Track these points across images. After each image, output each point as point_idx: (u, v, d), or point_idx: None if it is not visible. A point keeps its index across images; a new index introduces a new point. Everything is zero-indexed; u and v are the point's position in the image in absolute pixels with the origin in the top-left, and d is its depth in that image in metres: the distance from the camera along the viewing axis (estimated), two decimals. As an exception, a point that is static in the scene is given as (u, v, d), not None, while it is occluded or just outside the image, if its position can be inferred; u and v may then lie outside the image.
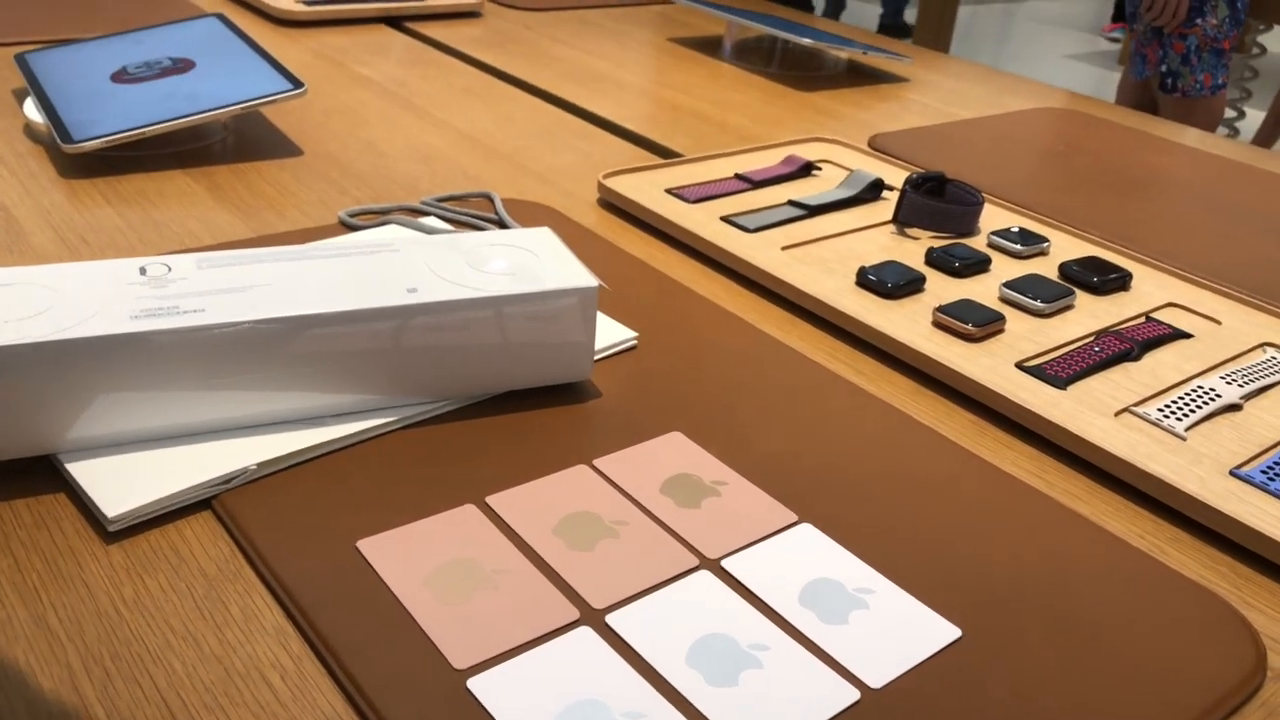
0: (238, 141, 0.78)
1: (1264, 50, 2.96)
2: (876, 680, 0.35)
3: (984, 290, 0.62)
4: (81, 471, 0.41)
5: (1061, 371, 0.53)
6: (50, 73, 0.79)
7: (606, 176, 0.73)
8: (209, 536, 0.40)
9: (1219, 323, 0.60)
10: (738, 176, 0.76)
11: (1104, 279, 0.63)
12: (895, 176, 0.78)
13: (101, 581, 0.37)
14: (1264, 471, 0.47)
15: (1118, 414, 0.50)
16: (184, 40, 0.84)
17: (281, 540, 0.39)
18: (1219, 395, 0.52)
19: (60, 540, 0.39)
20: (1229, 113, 2.81)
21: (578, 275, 0.48)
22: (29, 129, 0.77)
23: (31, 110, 0.75)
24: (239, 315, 0.42)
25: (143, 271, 0.44)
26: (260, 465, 0.42)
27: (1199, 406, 0.51)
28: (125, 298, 0.42)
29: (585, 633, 0.36)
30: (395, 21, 1.17)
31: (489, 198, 0.70)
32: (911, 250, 0.66)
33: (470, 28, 1.17)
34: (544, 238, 0.51)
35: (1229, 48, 2.32)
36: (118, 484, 0.40)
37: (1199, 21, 2.27)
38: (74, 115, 0.72)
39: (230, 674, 0.34)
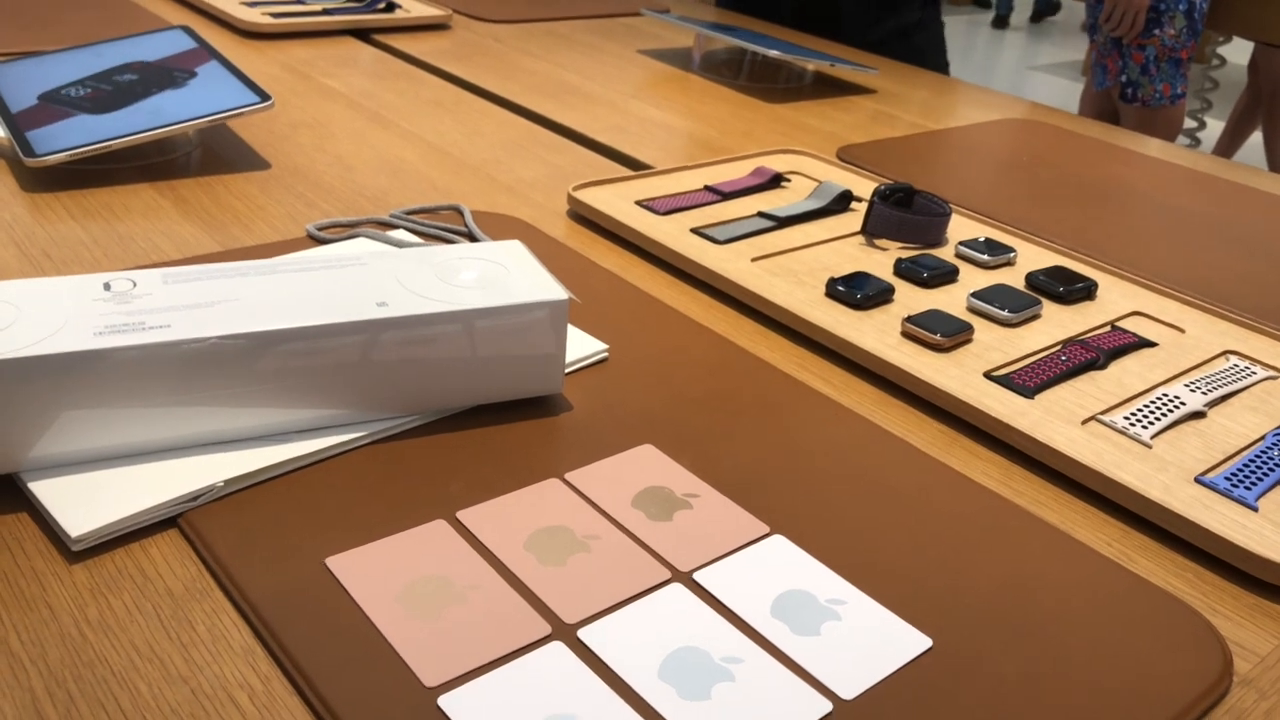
0: (204, 155, 0.78)
1: (1223, 61, 3.01)
2: (849, 691, 0.35)
3: (952, 300, 0.62)
4: (44, 490, 0.40)
5: (1029, 381, 0.54)
6: (12, 85, 0.78)
7: (576, 189, 0.73)
8: (175, 555, 0.39)
9: (1183, 331, 0.61)
10: (707, 188, 0.76)
11: (1070, 288, 0.63)
12: (863, 188, 0.78)
13: (65, 602, 0.37)
14: (1228, 478, 0.47)
15: (1084, 422, 0.51)
16: (149, 53, 0.83)
17: (249, 558, 0.38)
18: (1183, 403, 0.53)
19: (23, 561, 0.38)
20: (1190, 123, 2.85)
21: (548, 288, 0.48)
22: (-10, 142, 0.76)
23: (-7, 124, 0.74)
24: (205, 331, 0.41)
25: (107, 287, 0.44)
26: (227, 482, 0.42)
27: (1164, 414, 0.52)
28: (90, 314, 0.42)
29: (557, 648, 0.36)
30: (363, 34, 1.17)
31: (458, 210, 0.70)
32: (880, 261, 0.67)
33: (439, 40, 1.17)
34: (514, 250, 0.51)
35: (1187, 58, 2.36)
36: (81, 503, 0.40)
37: (1157, 32, 2.31)
38: (37, 129, 0.71)
39: (197, 695, 0.34)
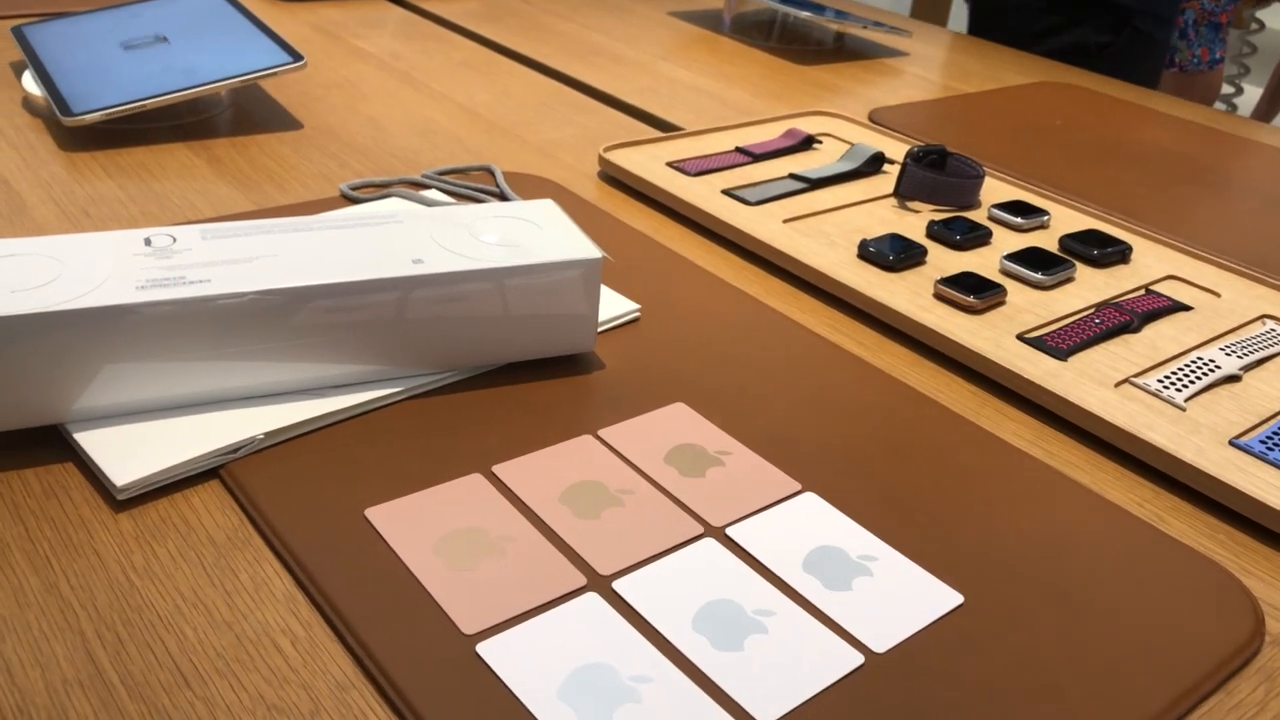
0: (237, 115, 0.78)
1: (1262, 26, 2.95)
2: (880, 645, 0.36)
3: (985, 263, 0.62)
4: (89, 441, 0.41)
5: (1062, 343, 0.53)
6: (48, 45, 0.79)
7: (607, 150, 0.73)
8: (217, 505, 0.40)
9: (1218, 295, 0.61)
10: (738, 150, 0.76)
11: (1103, 252, 0.63)
12: (895, 150, 0.78)
13: (112, 549, 0.38)
14: (1263, 441, 0.47)
15: (1118, 385, 0.51)
16: (182, 13, 0.84)
17: (290, 509, 0.39)
18: (1218, 366, 0.53)
19: (70, 509, 0.39)
20: (1227, 89, 2.80)
21: (582, 247, 0.48)
22: (27, 102, 0.77)
23: (30, 83, 0.75)
24: (245, 285, 0.42)
25: (148, 242, 0.44)
26: (267, 435, 0.42)
27: (1198, 378, 0.51)
28: (131, 268, 0.42)
29: (592, 598, 0.36)
30: (392, -5, 1.17)
31: (490, 171, 0.70)
32: (912, 223, 0.67)
33: (467, 1, 1.17)
34: (548, 209, 0.51)
35: (1226, 22, 2.32)
36: (126, 453, 0.40)
37: (1197, -4, 2.26)
38: (73, 88, 0.72)
39: (241, 640, 0.34)
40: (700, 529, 0.40)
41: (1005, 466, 0.45)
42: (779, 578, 0.38)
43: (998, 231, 0.66)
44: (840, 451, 0.45)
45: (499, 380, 0.48)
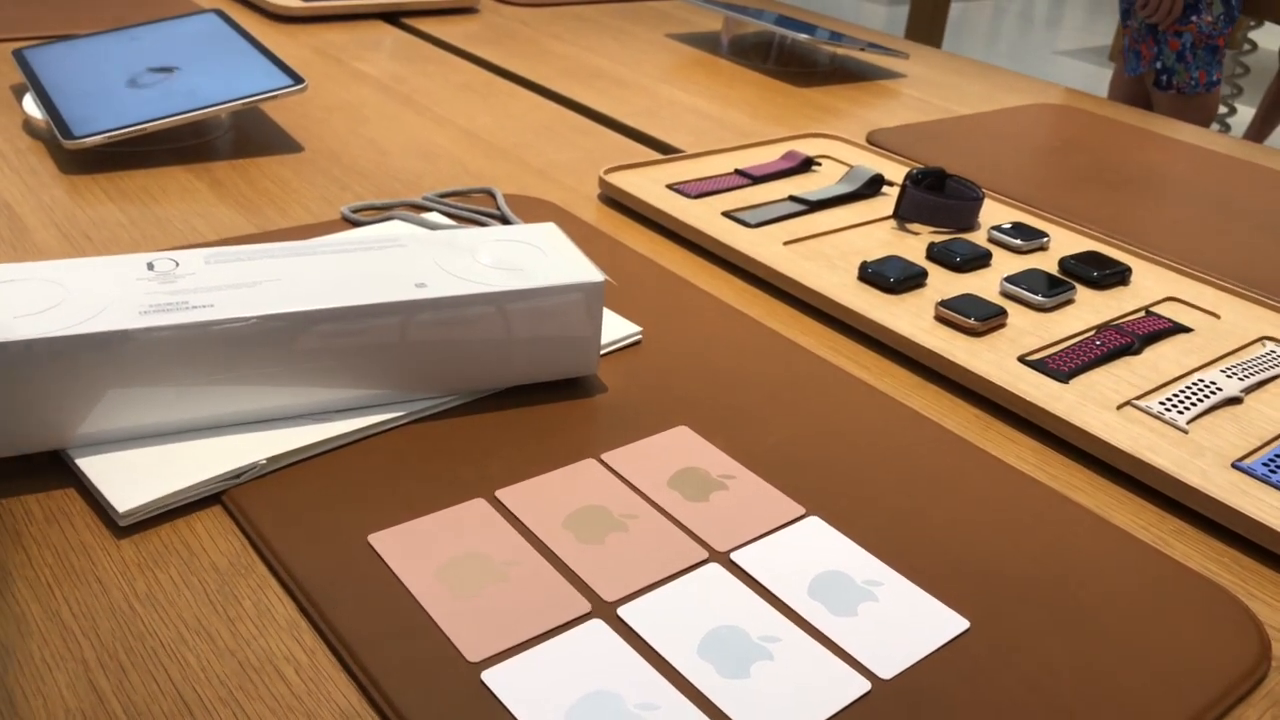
0: (238, 138, 0.78)
1: (1255, 46, 2.97)
2: (887, 671, 0.35)
3: (985, 285, 0.62)
4: (91, 466, 0.41)
5: (1063, 365, 0.54)
6: (49, 69, 0.79)
7: (608, 172, 0.73)
8: (220, 531, 0.40)
9: (1218, 317, 0.61)
10: (738, 172, 0.76)
11: (1103, 274, 0.63)
12: (894, 172, 0.78)
13: (114, 576, 0.37)
14: (1265, 464, 0.47)
15: (1120, 407, 0.51)
16: (183, 36, 0.84)
17: (293, 535, 0.39)
18: (1220, 389, 0.53)
19: (72, 535, 0.39)
20: (1220, 109, 2.82)
21: (584, 270, 0.48)
22: (28, 125, 0.77)
23: (31, 106, 0.75)
24: (248, 310, 0.42)
25: (150, 267, 0.44)
26: (270, 460, 0.42)
27: (1200, 400, 0.52)
28: (134, 293, 0.42)
29: (597, 625, 0.36)
30: (392, 17, 1.17)
31: (491, 193, 0.70)
32: (912, 245, 0.67)
33: (467, 24, 1.17)
34: (550, 233, 0.51)
35: (1223, 44, 2.33)
36: (128, 479, 0.40)
37: (1194, 19, 2.28)
38: (74, 111, 0.72)
39: (245, 667, 0.34)
40: (705, 554, 0.40)
41: (1009, 490, 0.45)
42: (784, 603, 0.38)
43: (997, 253, 0.66)
44: (844, 475, 0.45)
45: (502, 404, 0.48)
